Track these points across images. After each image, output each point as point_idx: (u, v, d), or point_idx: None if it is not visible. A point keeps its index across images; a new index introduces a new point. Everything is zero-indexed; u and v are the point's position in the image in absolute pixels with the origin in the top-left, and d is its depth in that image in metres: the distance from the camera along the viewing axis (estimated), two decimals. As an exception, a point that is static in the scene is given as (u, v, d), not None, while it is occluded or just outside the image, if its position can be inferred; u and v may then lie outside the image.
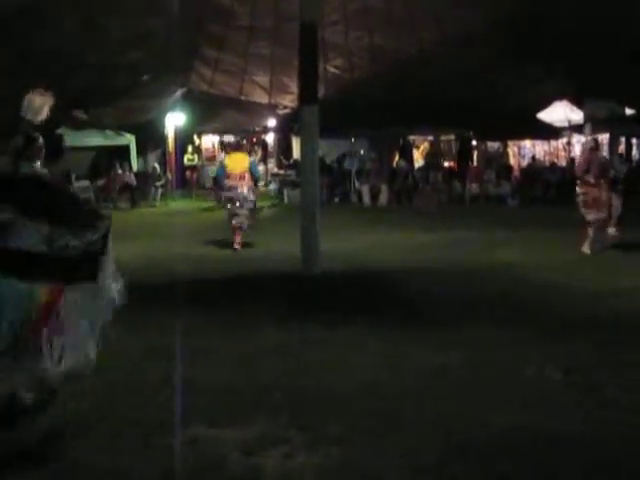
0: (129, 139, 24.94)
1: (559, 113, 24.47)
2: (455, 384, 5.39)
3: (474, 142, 26.35)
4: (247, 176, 12.83)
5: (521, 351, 6.17)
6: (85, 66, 17.53)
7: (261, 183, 21.29)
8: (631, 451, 4.22)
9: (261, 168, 26.53)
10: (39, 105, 4.79)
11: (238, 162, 12.93)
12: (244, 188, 12.72)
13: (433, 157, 25.68)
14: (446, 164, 26.69)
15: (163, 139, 25.91)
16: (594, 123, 22.48)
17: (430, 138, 26.89)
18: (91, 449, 4.27)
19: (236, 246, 12.53)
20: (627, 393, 5.14)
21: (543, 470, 3.99)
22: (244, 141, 29.03)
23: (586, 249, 11.29)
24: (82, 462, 4.11)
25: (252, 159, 13.99)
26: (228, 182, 12.78)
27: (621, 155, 24.08)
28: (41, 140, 4.77)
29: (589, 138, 12.24)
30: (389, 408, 4.89)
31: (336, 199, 22.90)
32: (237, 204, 12.59)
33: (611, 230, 11.45)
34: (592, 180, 11.29)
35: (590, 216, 11.30)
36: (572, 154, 25.50)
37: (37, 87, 4.92)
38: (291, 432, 4.46)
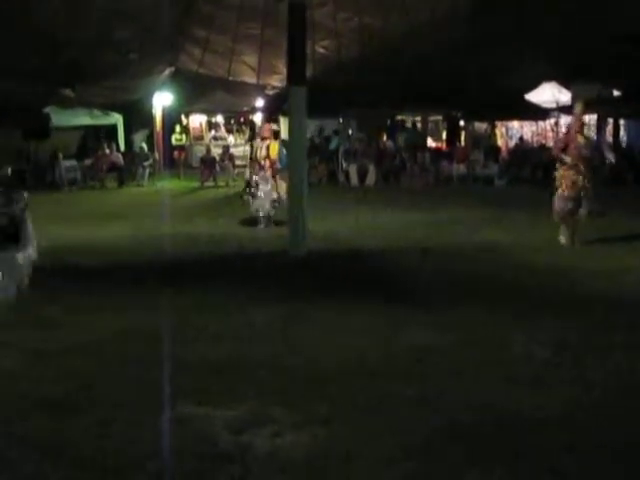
0: (116, 118, 24.75)
1: (547, 94, 24.40)
2: (442, 363, 5.43)
3: (462, 122, 26.34)
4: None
5: (509, 331, 6.22)
6: (72, 43, 17.38)
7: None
8: (615, 433, 4.27)
9: (248, 148, 26.41)
10: None
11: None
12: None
13: (419, 137, 25.65)
14: (434, 144, 26.69)
15: (151, 119, 25.71)
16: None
17: (418, 118, 26.88)
18: (78, 430, 4.28)
19: None
20: (614, 375, 5.19)
21: (528, 449, 4.03)
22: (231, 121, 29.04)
23: (562, 239, 10.77)
24: (71, 442, 4.13)
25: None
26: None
27: (610, 144, 24.05)
28: None
29: (576, 117, 11.70)
30: (376, 387, 4.93)
31: (323, 179, 22.83)
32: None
33: (582, 211, 10.77)
34: (569, 161, 10.66)
35: (556, 205, 10.73)
36: (560, 135, 25.56)
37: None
38: (279, 411, 4.50)
